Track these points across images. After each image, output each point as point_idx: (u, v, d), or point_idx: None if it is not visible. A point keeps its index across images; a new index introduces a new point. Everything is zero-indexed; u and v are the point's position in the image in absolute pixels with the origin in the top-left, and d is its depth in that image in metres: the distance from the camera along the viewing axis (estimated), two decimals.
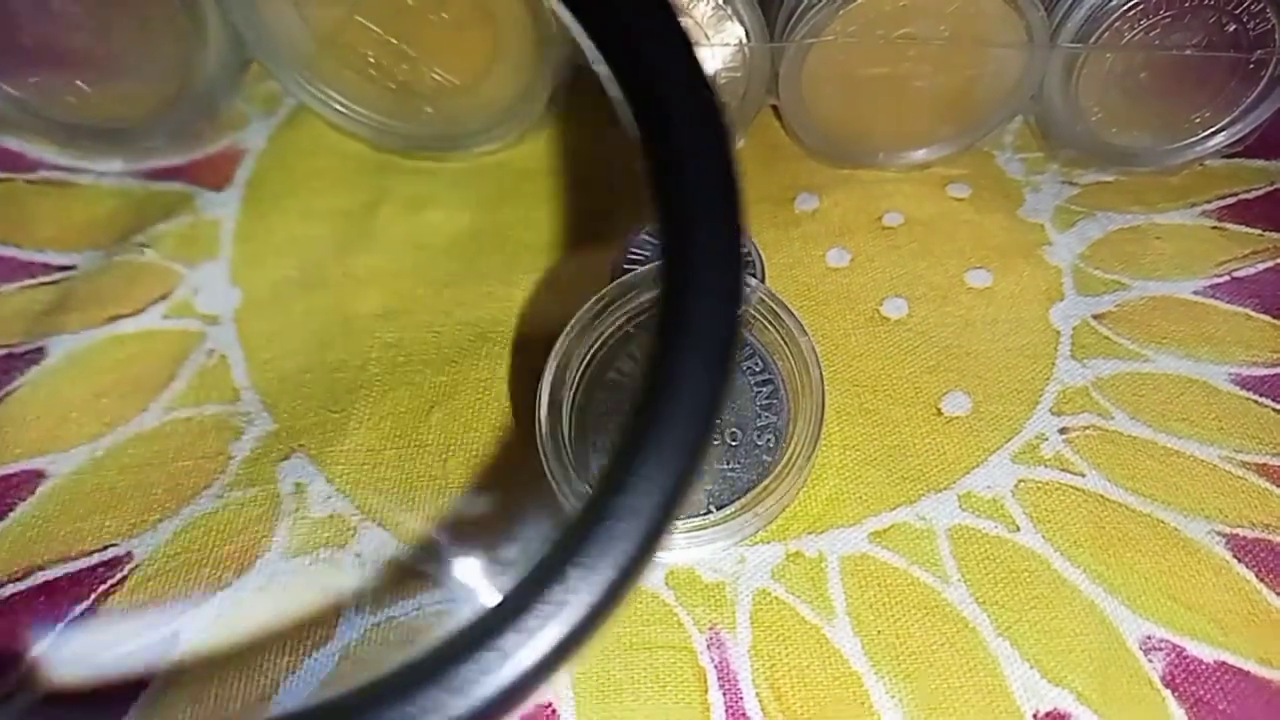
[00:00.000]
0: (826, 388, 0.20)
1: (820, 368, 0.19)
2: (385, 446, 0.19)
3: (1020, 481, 0.19)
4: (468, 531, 0.18)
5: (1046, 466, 0.19)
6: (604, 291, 0.19)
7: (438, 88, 0.23)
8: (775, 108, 0.24)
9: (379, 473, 0.19)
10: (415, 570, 0.18)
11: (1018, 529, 0.18)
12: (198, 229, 0.23)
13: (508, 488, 0.19)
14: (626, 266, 0.21)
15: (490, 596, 0.17)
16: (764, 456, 0.19)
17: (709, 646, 0.17)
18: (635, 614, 0.17)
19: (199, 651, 0.17)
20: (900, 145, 0.24)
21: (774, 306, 0.20)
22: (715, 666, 0.17)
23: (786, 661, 0.17)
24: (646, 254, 0.21)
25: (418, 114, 0.23)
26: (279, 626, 0.17)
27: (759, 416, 0.20)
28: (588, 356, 0.19)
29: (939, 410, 0.20)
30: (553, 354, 0.18)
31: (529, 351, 0.20)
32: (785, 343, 0.20)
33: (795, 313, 0.19)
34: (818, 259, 0.23)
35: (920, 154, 0.24)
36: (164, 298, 0.22)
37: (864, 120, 0.23)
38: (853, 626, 0.17)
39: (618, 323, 0.20)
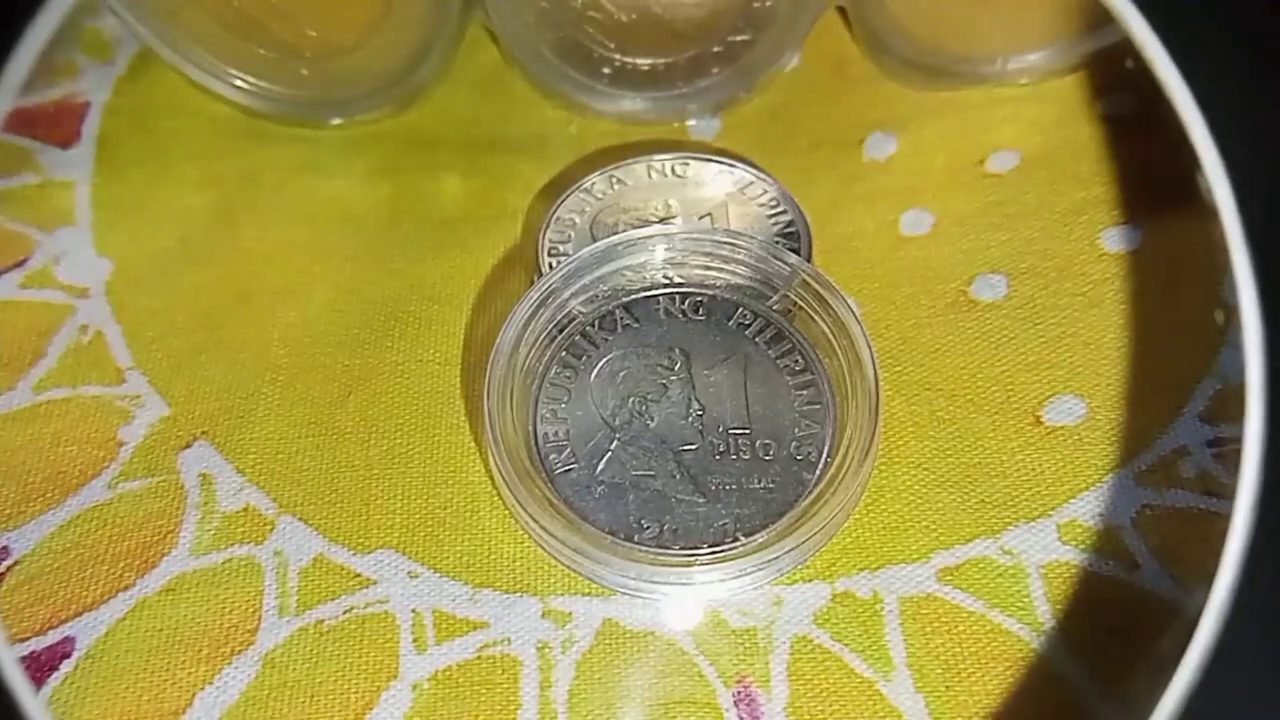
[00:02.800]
0: (889, 392, 0.22)
1: (876, 365, 0.21)
2: (300, 435, 0.22)
3: (1146, 508, 0.20)
4: (397, 524, 0.21)
5: (1185, 489, 0.20)
6: (548, 279, 0.22)
7: (317, 48, 0.26)
8: (842, 9, 0.27)
9: (296, 463, 0.22)
10: (342, 568, 0.20)
11: (1137, 566, 0.20)
12: (47, 190, 0.26)
13: (437, 478, 0.21)
14: (552, 244, 0.24)
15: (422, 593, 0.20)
16: (804, 474, 0.20)
17: (736, 703, 0.19)
18: (649, 666, 0.19)
19: (97, 659, 0.19)
20: (1031, 41, 0.24)
21: (819, 289, 0.22)
22: None
23: None
24: (571, 233, 0.24)
25: (293, 76, 0.26)
26: (190, 631, 0.20)
27: (798, 425, 0.21)
28: (536, 344, 0.22)
29: (1038, 419, 0.22)
30: (498, 348, 0.21)
31: (444, 334, 0.24)
32: (833, 335, 0.22)
33: (846, 297, 0.22)
34: (888, 226, 0.25)
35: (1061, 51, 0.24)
36: (17, 265, 0.25)
37: (973, 8, 0.24)
38: (915, 682, 0.19)
39: (569, 308, 0.22)
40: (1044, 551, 0.20)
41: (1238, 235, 0.16)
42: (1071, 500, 0.20)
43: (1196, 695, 0.14)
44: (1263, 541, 0.15)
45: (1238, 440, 0.18)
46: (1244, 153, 0.17)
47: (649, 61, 0.26)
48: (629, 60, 0.26)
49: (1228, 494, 0.18)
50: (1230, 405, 0.20)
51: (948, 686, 0.19)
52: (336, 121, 0.27)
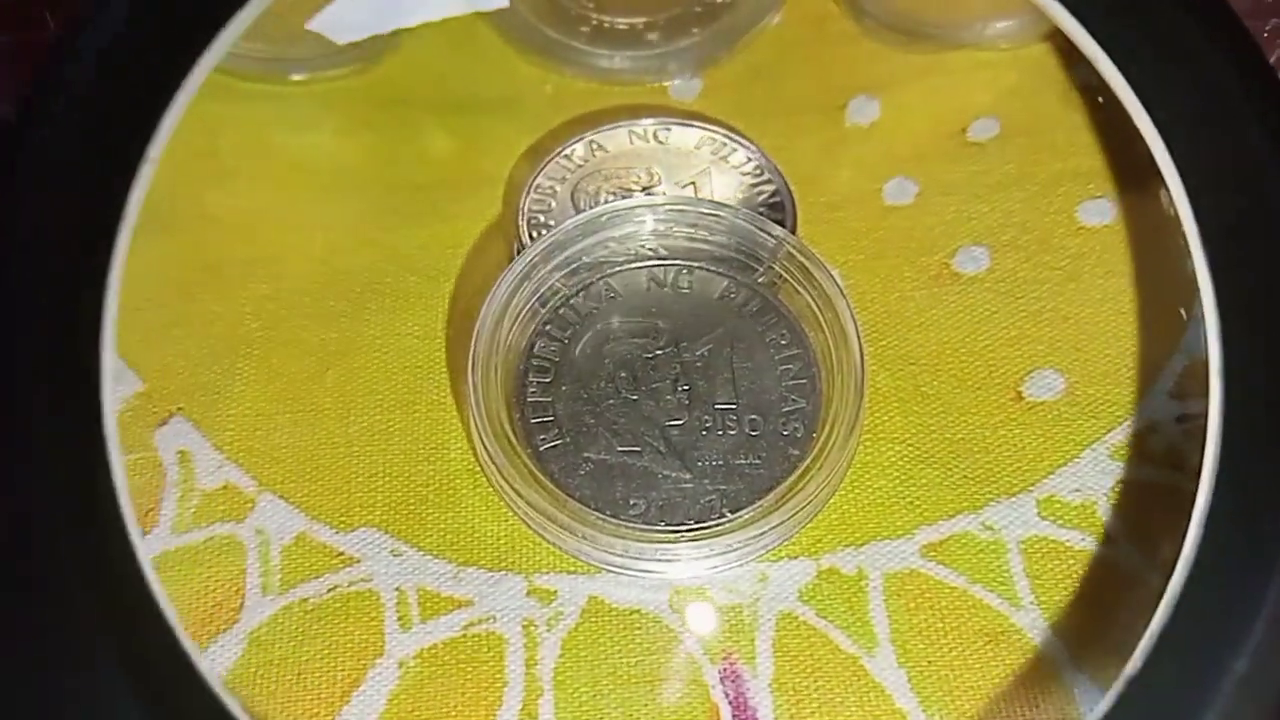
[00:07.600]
0: (874, 366, 0.22)
1: (861, 340, 0.21)
2: (278, 410, 0.22)
3: (1118, 483, 0.21)
4: (379, 502, 0.21)
5: (1155, 465, 0.21)
6: (530, 252, 0.22)
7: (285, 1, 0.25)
8: None
9: (274, 439, 0.21)
10: (325, 546, 0.20)
11: (1111, 541, 0.20)
12: None
13: (419, 455, 0.21)
14: (532, 213, 0.23)
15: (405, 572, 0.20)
16: (790, 449, 0.21)
17: (723, 680, 0.19)
18: (635, 642, 0.19)
19: None
20: (1009, 5, 0.25)
21: (805, 262, 0.22)
22: (730, 703, 0.19)
23: (816, 697, 0.19)
24: (552, 202, 0.23)
25: (256, 31, 0.24)
26: (174, 609, 0.19)
27: (785, 400, 0.21)
28: (520, 318, 0.22)
29: (1019, 394, 0.22)
30: (480, 322, 0.21)
31: (423, 306, 0.23)
32: (819, 309, 0.22)
33: (832, 271, 0.22)
34: (872, 194, 0.25)
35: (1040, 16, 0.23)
36: None
37: None
38: (898, 658, 0.19)
39: (553, 281, 0.22)
40: (1023, 527, 0.20)
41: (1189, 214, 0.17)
42: (1050, 476, 0.21)
43: (1153, 667, 0.15)
44: (1223, 516, 0.16)
45: (1202, 416, 0.19)
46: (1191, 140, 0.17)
47: (628, 21, 0.25)
48: (607, 19, 0.25)
49: (1193, 470, 0.18)
50: (1196, 382, 0.21)
51: (929, 661, 0.19)
52: (298, 77, 0.26)
